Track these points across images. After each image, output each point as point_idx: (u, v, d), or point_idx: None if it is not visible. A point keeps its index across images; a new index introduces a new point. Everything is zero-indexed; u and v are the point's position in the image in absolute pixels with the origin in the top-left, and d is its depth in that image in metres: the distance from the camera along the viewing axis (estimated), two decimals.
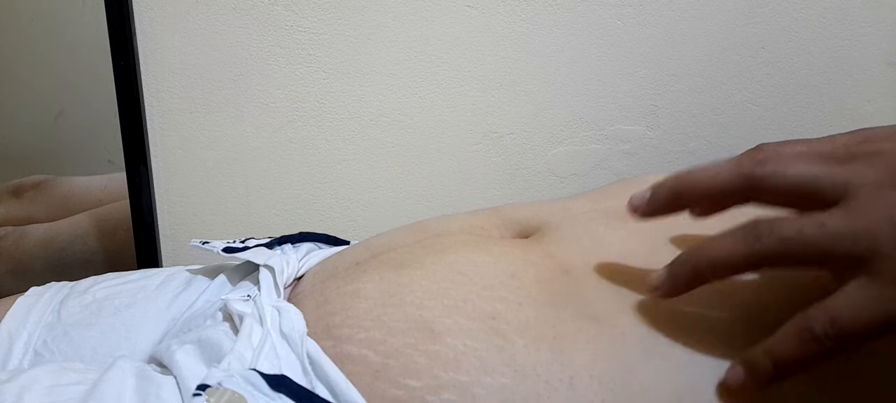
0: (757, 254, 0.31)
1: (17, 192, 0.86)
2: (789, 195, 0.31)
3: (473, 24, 0.81)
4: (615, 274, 0.39)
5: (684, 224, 0.42)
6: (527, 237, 0.46)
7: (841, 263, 0.29)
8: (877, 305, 0.28)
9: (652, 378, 0.34)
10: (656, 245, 0.40)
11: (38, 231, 0.86)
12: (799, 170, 0.31)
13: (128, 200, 0.81)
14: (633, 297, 0.37)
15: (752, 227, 0.31)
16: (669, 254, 0.39)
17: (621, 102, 0.84)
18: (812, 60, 0.85)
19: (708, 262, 0.33)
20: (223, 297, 0.47)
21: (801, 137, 0.43)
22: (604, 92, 0.83)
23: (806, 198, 0.31)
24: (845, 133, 0.34)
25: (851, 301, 0.28)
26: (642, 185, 0.52)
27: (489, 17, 0.81)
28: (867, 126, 0.36)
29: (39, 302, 0.51)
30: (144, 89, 0.80)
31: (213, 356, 0.40)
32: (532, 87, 0.83)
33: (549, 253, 0.42)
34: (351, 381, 0.37)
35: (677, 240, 0.40)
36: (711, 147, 0.85)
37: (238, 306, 0.43)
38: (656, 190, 0.35)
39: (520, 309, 0.38)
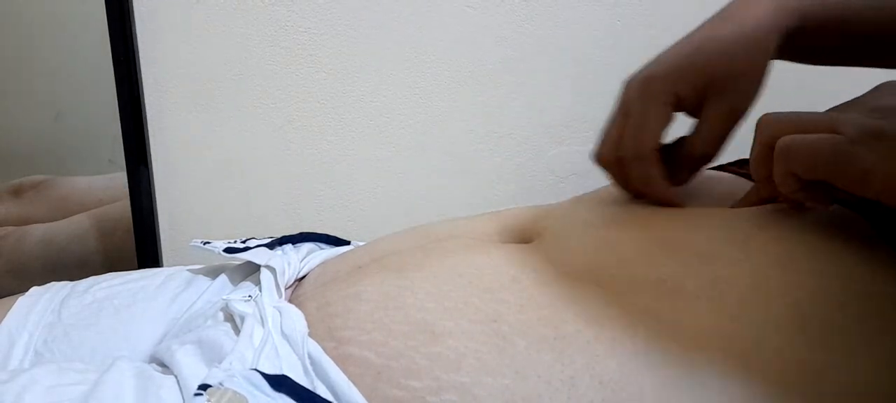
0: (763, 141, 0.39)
1: (17, 192, 0.86)
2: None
3: (473, 24, 0.81)
4: (615, 277, 0.39)
5: (681, 229, 0.42)
6: (528, 242, 0.46)
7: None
8: (832, 147, 0.35)
9: (651, 377, 0.34)
10: (653, 249, 0.40)
11: (38, 231, 0.86)
12: (793, 113, 0.38)
13: (128, 200, 0.81)
14: (633, 300, 0.37)
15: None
16: (667, 257, 0.39)
17: None
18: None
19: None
20: (224, 297, 0.47)
21: None
22: (604, 92, 0.83)
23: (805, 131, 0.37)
24: None
25: (814, 139, 0.36)
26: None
27: (489, 18, 0.81)
28: None
29: (40, 302, 0.51)
30: (144, 89, 0.80)
31: (213, 356, 0.40)
32: (532, 87, 0.82)
33: (550, 257, 0.42)
34: (352, 382, 0.37)
35: (673, 245, 0.40)
36: None
37: (239, 306, 0.44)
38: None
39: (521, 312, 0.38)
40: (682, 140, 0.47)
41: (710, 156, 0.46)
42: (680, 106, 0.45)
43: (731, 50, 0.43)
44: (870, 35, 0.45)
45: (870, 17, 0.44)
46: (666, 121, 0.45)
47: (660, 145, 0.45)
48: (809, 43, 0.46)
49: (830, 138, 0.35)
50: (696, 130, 0.46)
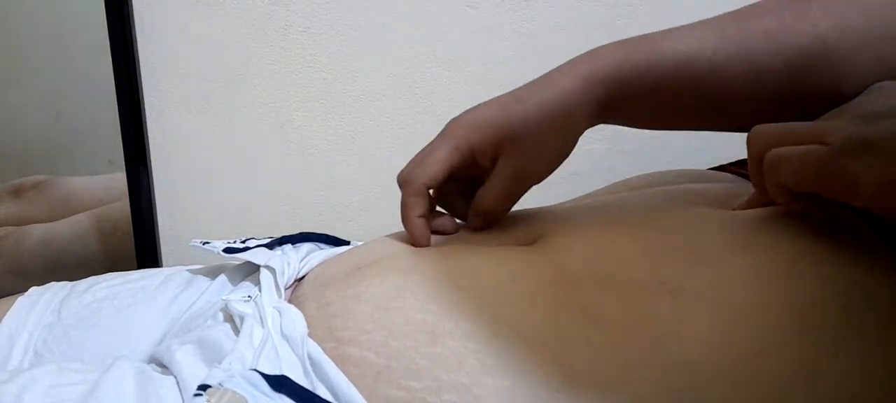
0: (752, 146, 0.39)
1: (17, 192, 0.86)
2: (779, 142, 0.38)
3: (473, 23, 0.81)
4: (615, 278, 0.39)
5: (681, 231, 0.42)
6: (528, 244, 0.46)
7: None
8: (818, 160, 0.35)
9: (651, 378, 0.34)
10: (654, 251, 0.40)
11: (38, 231, 0.86)
12: (781, 125, 0.38)
13: (128, 200, 0.81)
14: (632, 300, 0.37)
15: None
16: (668, 259, 0.39)
17: None
18: None
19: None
20: (224, 297, 0.47)
21: None
22: None
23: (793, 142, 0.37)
24: None
25: (801, 152, 0.36)
26: (643, 185, 0.52)
27: (489, 17, 0.81)
28: None
29: (39, 302, 0.51)
30: (144, 89, 0.80)
31: (213, 356, 0.40)
32: None
33: (550, 259, 0.42)
34: (352, 382, 0.37)
35: (674, 247, 0.40)
36: (711, 146, 0.85)
37: (239, 306, 0.44)
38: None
39: (521, 314, 0.38)
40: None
41: (492, 213, 0.48)
42: (473, 156, 0.46)
43: (532, 117, 0.44)
44: (683, 103, 0.45)
45: (680, 86, 0.44)
46: (449, 164, 0.46)
47: (436, 184, 0.46)
48: (623, 111, 0.46)
49: (816, 150, 0.35)
50: (486, 184, 0.47)
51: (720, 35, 0.43)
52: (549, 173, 0.46)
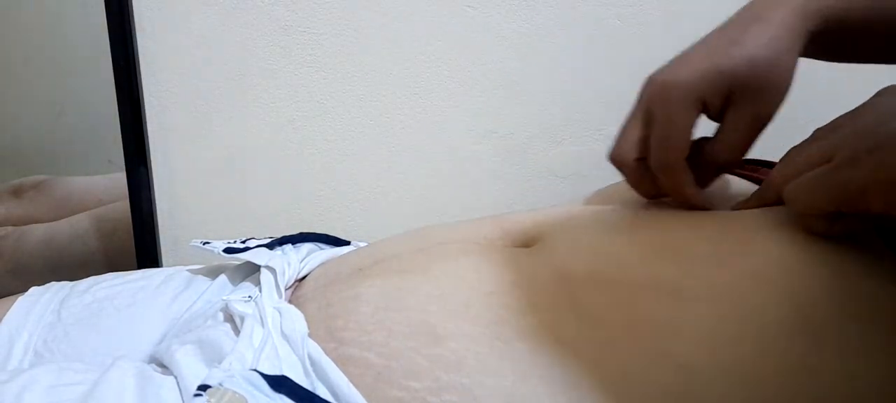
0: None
1: (17, 192, 0.86)
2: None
3: (473, 24, 0.81)
4: (615, 280, 0.39)
5: (681, 232, 0.42)
6: (529, 246, 0.46)
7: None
8: (824, 178, 0.36)
9: (651, 378, 0.34)
10: (653, 252, 0.40)
11: (38, 231, 0.86)
12: (788, 159, 0.41)
13: (128, 200, 0.81)
14: (632, 301, 0.37)
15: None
16: (667, 260, 0.39)
17: (621, 102, 0.84)
18: (812, 61, 0.85)
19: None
20: (224, 298, 0.47)
21: (799, 137, 0.45)
22: (604, 92, 0.83)
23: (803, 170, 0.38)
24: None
25: (808, 177, 0.37)
26: None
27: (489, 17, 0.81)
28: None
29: (40, 302, 0.51)
30: (144, 89, 0.80)
31: (213, 356, 0.40)
32: (532, 87, 0.82)
33: (551, 261, 0.42)
34: (352, 383, 0.37)
35: (673, 248, 0.40)
36: None
37: (239, 307, 0.44)
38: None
39: (522, 315, 0.38)
40: (702, 142, 0.46)
41: (734, 163, 0.46)
42: (704, 111, 0.44)
43: (757, 55, 0.42)
44: (892, 35, 0.44)
45: (891, 17, 0.44)
46: (692, 127, 0.44)
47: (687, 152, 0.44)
48: (832, 44, 0.45)
49: (821, 171, 0.35)
50: (720, 136, 0.45)
51: None
52: (776, 113, 0.44)
